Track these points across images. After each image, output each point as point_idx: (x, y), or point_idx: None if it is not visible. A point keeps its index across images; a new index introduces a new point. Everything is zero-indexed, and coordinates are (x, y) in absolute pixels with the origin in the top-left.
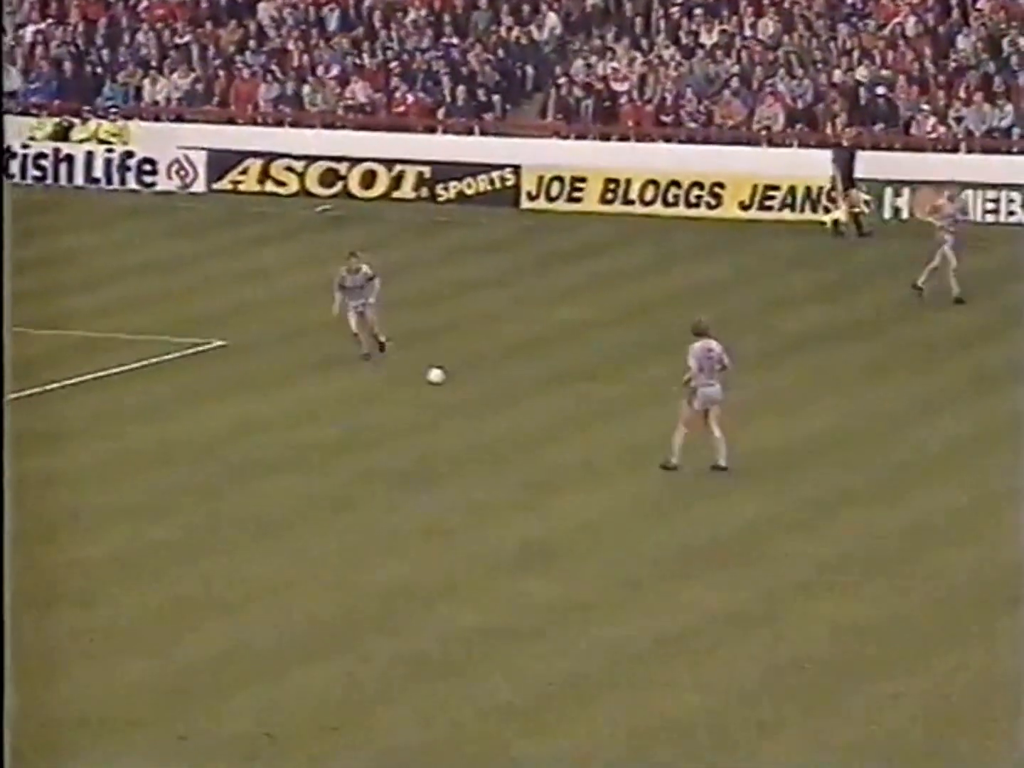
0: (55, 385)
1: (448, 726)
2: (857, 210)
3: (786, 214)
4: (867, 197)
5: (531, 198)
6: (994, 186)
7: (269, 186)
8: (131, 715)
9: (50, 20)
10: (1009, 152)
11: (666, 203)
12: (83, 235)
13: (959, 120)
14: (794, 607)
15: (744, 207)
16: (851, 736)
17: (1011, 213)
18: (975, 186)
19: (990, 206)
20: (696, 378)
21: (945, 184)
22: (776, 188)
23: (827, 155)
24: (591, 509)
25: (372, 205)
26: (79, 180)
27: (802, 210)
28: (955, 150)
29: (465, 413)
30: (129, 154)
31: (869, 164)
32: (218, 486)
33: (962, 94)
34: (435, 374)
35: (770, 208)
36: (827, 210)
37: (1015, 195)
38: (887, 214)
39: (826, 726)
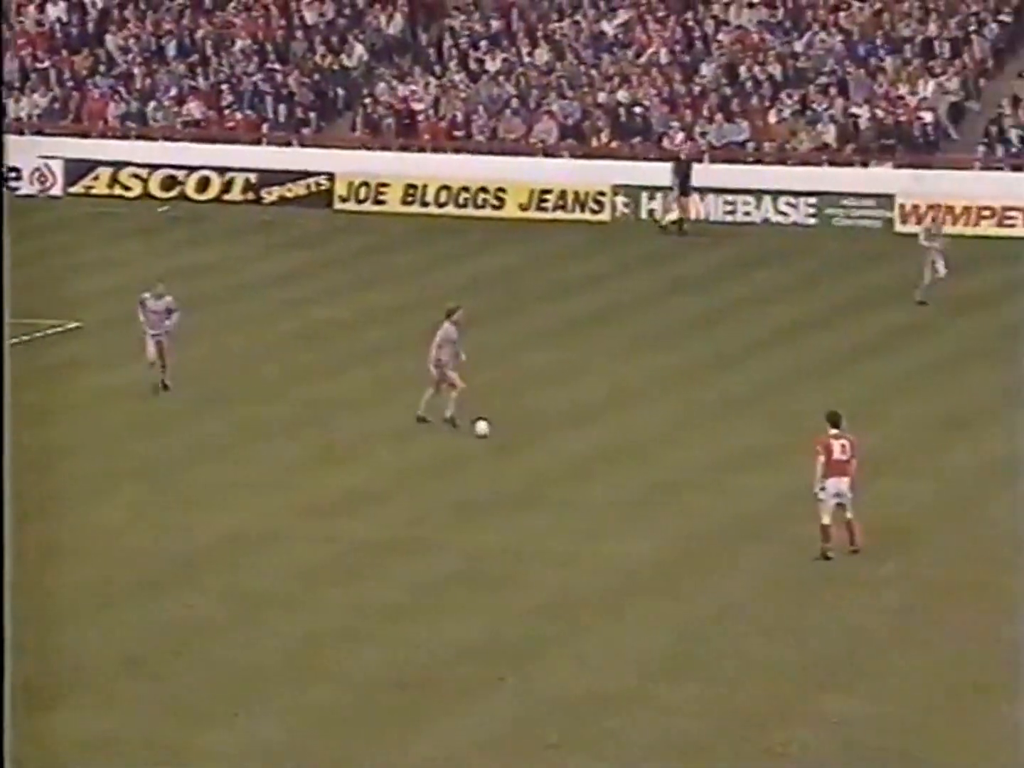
0: None
1: (277, 650)
2: (685, 215)
3: (559, 214)
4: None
5: (343, 201)
6: (731, 191)
7: (117, 190)
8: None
9: None
10: (744, 162)
11: (457, 205)
12: None
13: (703, 135)
14: (570, 547)
15: (523, 208)
16: (615, 654)
17: (746, 213)
18: (716, 191)
19: (728, 208)
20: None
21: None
22: (550, 192)
23: (593, 164)
24: (396, 463)
25: (206, 207)
26: None
27: (572, 211)
28: (700, 160)
29: (285, 385)
30: None
31: (628, 173)
32: (70, 448)
33: (705, 113)
34: (481, 427)
35: (545, 209)
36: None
37: (749, 198)
38: (644, 215)
39: (591, 647)
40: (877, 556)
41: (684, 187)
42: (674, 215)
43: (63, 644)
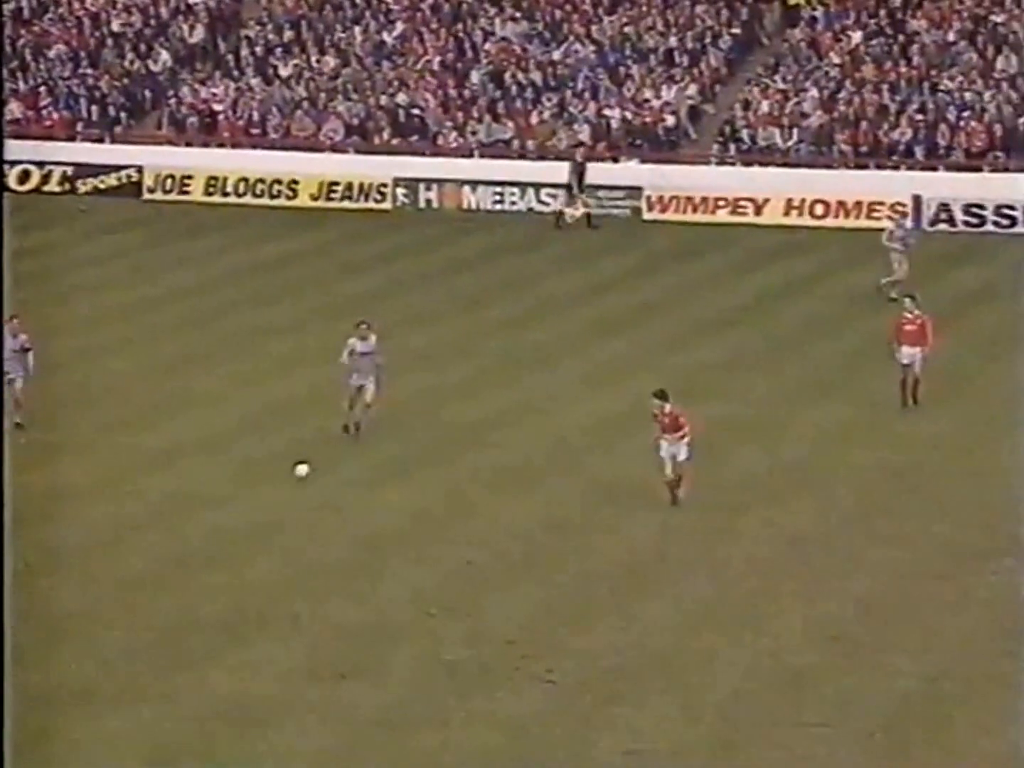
0: None
1: (85, 596)
2: (587, 209)
3: (346, 204)
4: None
5: (151, 191)
6: (499, 183)
7: None
8: None
9: None
10: (510, 158)
11: (254, 195)
12: None
13: (473, 133)
14: (355, 499)
15: (314, 198)
16: (396, 591)
17: (512, 203)
18: (485, 183)
19: (496, 198)
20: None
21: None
22: (338, 184)
23: (376, 160)
24: (195, 428)
25: (27, 198)
26: None
27: (357, 200)
28: (470, 156)
29: (92, 359)
30: None
31: (407, 167)
32: None
33: (475, 114)
34: (301, 469)
35: (333, 199)
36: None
37: (515, 190)
38: (422, 205)
39: (374, 584)
40: (631, 507)
41: (579, 185)
42: (572, 211)
43: None
